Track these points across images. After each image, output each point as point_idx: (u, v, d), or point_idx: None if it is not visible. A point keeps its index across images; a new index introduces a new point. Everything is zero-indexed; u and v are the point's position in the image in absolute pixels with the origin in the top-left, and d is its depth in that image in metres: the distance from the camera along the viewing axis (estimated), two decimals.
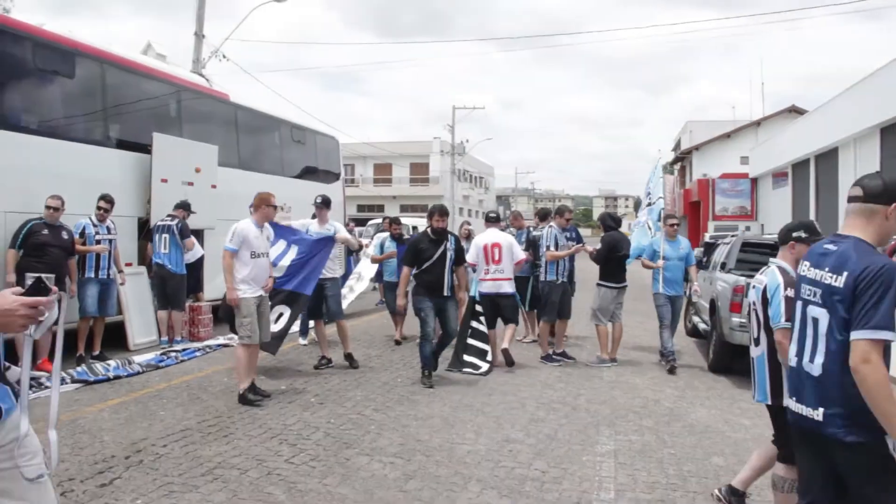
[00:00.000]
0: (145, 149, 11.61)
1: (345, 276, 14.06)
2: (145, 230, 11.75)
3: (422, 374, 8.79)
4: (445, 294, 8.87)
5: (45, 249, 8.95)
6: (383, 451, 6.13)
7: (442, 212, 9.01)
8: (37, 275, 2.52)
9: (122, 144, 11.52)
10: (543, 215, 12.17)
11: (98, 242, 9.87)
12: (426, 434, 6.66)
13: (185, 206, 11.49)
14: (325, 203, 9.81)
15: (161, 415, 7.23)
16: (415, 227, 21.90)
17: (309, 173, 17.47)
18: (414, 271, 8.97)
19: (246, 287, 7.79)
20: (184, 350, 10.63)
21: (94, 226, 9.91)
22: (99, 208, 9.98)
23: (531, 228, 12.52)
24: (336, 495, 5.11)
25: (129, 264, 11.29)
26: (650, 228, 11.22)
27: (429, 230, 9.09)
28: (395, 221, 13.22)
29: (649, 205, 11.61)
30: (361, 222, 29.74)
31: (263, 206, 8.07)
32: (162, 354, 10.23)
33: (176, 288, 11.29)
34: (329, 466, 5.71)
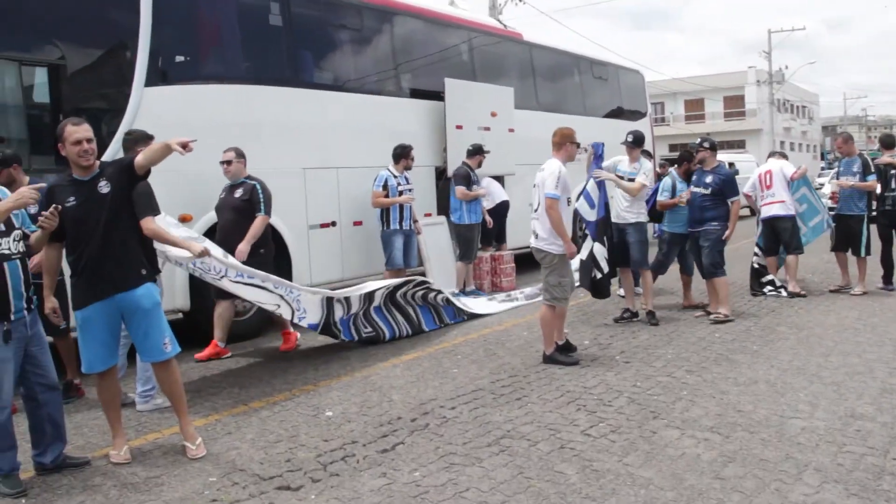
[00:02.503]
0: (439, 96, 11.33)
1: None
2: (443, 179, 11.53)
3: None
4: None
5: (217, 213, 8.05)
6: (696, 423, 5.16)
7: None
8: None
9: (415, 93, 11.33)
10: (889, 143, 10.28)
11: (400, 193, 9.77)
12: (749, 404, 5.56)
13: (477, 151, 11.01)
14: (636, 141, 8.73)
15: (453, 372, 6.80)
16: (731, 164, 19.98)
17: (613, 112, 16.45)
18: None
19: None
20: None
21: (395, 177, 9.80)
22: (400, 157, 9.89)
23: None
24: (638, 479, 4.26)
25: (427, 214, 11.14)
26: None
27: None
28: (687, 156, 9.61)
29: None
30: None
31: (567, 143, 7.21)
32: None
33: (460, 238, 10.93)
34: (631, 441, 4.88)
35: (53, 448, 4.79)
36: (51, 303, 4.94)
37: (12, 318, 4.45)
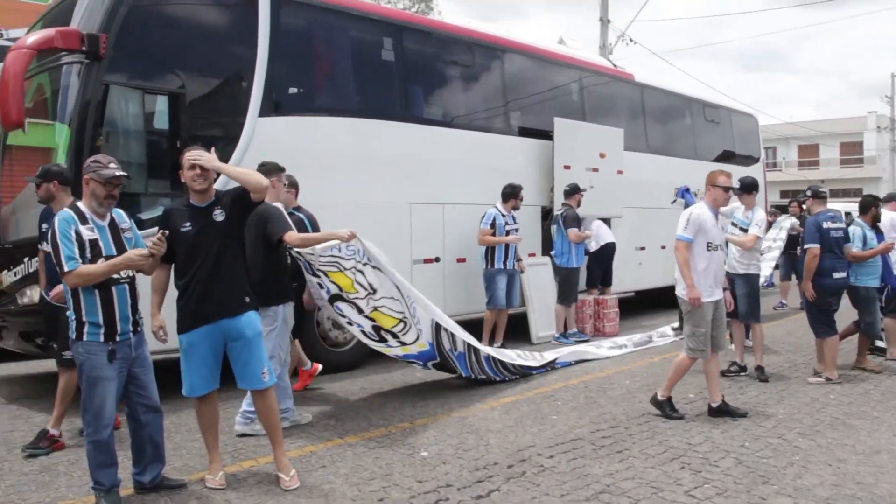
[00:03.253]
0: (547, 135, 11.23)
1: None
2: (549, 219, 11.40)
3: None
4: None
5: None
6: (811, 493, 4.82)
7: None
8: None
9: (524, 132, 11.27)
10: None
11: (507, 233, 9.72)
12: (870, 476, 5.17)
13: (574, 190, 10.85)
14: (744, 187, 8.27)
15: (553, 419, 6.61)
16: (847, 213, 19.14)
17: (725, 156, 16.02)
18: None
19: (701, 287, 6.58)
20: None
21: (503, 216, 9.75)
22: (509, 197, 9.84)
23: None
24: None
25: (532, 254, 11.03)
26: None
27: None
28: (871, 202, 9.28)
29: None
30: (784, 209, 27.19)
31: (710, 187, 6.81)
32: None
33: (564, 281, 10.75)
34: None
35: (152, 468, 4.87)
36: (157, 321, 5.01)
37: (117, 339, 4.54)
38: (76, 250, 4.43)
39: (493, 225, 9.65)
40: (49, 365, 8.92)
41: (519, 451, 5.67)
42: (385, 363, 8.87)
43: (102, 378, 4.52)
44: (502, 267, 9.75)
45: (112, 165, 4.61)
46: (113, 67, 6.93)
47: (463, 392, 7.58)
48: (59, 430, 5.90)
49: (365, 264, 6.58)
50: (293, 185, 7.22)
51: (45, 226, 5.78)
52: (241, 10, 7.99)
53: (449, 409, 6.96)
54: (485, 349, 8.03)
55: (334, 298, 6.55)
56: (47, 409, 6.98)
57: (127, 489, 4.82)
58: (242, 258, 5.11)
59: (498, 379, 8.02)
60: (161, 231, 4.64)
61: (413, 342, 7.13)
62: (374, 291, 6.68)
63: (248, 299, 5.04)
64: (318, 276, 6.40)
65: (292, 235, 5.81)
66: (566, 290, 10.68)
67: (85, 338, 4.51)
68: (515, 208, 9.92)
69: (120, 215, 4.77)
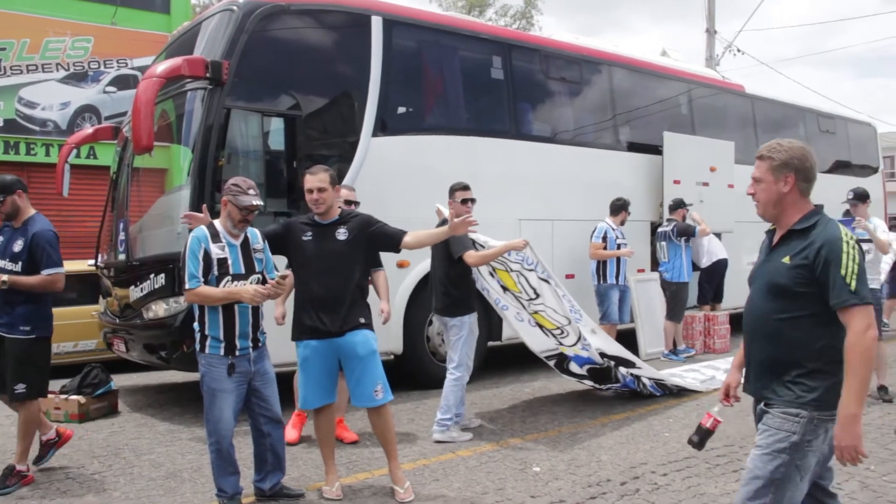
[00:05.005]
0: (656, 150, 11.13)
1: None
2: (656, 234, 11.27)
3: None
4: None
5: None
6: None
7: None
8: None
9: (632, 146, 11.17)
10: None
11: (619, 247, 9.68)
12: None
13: (678, 205, 10.69)
14: (858, 197, 8.16)
15: (665, 436, 6.53)
16: None
17: (841, 166, 15.49)
18: None
19: None
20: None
21: (614, 230, 9.72)
22: (619, 210, 9.85)
23: None
24: None
25: (640, 270, 10.91)
26: None
27: None
28: None
29: None
30: None
31: None
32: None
33: (672, 296, 10.60)
34: None
35: (272, 476, 5.05)
36: (280, 310, 5.19)
37: (237, 353, 4.75)
38: (200, 269, 4.67)
39: (604, 239, 9.62)
40: (170, 376, 9.39)
41: (632, 468, 5.62)
42: (494, 378, 8.95)
43: (221, 391, 4.74)
44: (615, 282, 9.69)
45: (251, 192, 4.80)
46: (234, 92, 7.24)
47: (572, 408, 7.57)
48: (26, 465, 5.52)
49: (531, 270, 6.83)
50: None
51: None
52: (354, 32, 8.24)
53: (559, 425, 6.96)
54: (648, 373, 8.08)
55: (503, 290, 7.04)
56: (170, 419, 7.38)
57: (249, 497, 5.02)
58: (362, 280, 5.21)
59: (658, 394, 8.06)
60: (280, 275, 4.82)
61: (572, 345, 7.18)
62: (537, 297, 6.90)
63: (363, 319, 5.11)
64: (486, 280, 7.02)
65: (471, 255, 6.36)
66: (675, 305, 10.52)
67: (207, 350, 4.75)
68: (623, 222, 9.85)
69: (255, 236, 4.97)
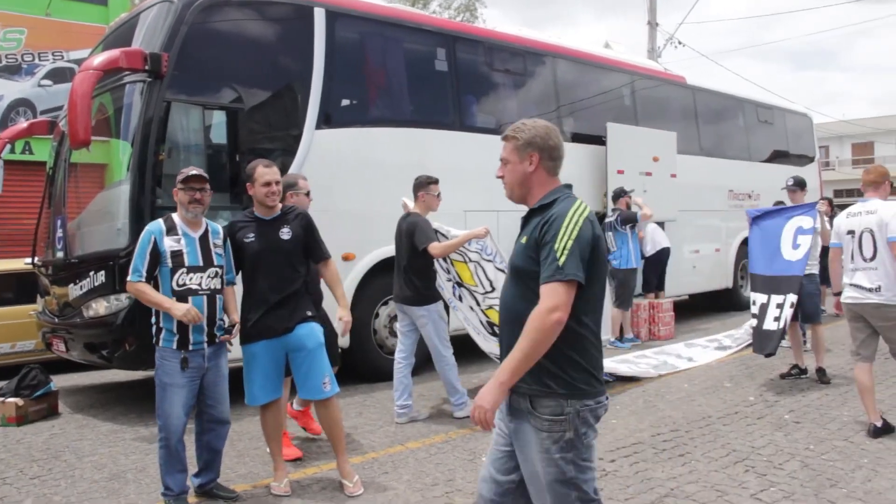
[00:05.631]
0: (600, 140, 11.22)
1: None
2: (602, 223, 11.40)
3: None
4: None
5: None
6: (883, 497, 4.74)
7: None
8: None
9: (576, 137, 11.24)
10: None
11: None
12: None
13: (620, 194, 10.83)
14: (798, 184, 8.41)
15: (612, 423, 6.60)
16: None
17: (778, 156, 15.82)
18: None
19: None
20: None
21: None
22: None
23: None
24: None
25: None
26: None
27: None
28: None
29: None
30: (839, 207, 26.59)
31: (886, 182, 6.45)
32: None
33: (620, 283, 10.74)
34: None
35: (205, 474, 5.02)
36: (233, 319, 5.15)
37: (190, 348, 4.68)
38: (145, 264, 4.65)
39: None
40: (112, 375, 9.21)
41: None
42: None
43: (172, 385, 4.67)
44: None
45: (192, 169, 4.82)
46: (174, 85, 7.10)
47: None
48: None
49: (489, 261, 6.88)
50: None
51: None
52: (297, 24, 8.15)
53: None
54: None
55: (457, 286, 7.14)
56: (113, 419, 7.25)
57: (194, 497, 4.96)
58: (306, 274, 5.21)
59: (610, 381, 8.11)
60: (234, 325, 4.93)
61: None
62: (493, 290, 6.96)
63: (309, 313, 5.12)
64: (448, 272, 7.16)
65: (435, 247, 6.57)
66: (624, 292, 10.64)
67: (161, 343, 4.70)
68: None
69: (216, 230, 4.93)
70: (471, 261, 6.92)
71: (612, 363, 8.40)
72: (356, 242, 8.24)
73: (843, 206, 9.78)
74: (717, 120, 14.50)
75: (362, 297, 8.26)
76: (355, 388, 8.13)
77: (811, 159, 16.95)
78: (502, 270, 6.90)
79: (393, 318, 8.51)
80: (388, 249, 8.35)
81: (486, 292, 6.99)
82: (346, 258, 8.07)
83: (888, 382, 7.78)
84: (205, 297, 4.74)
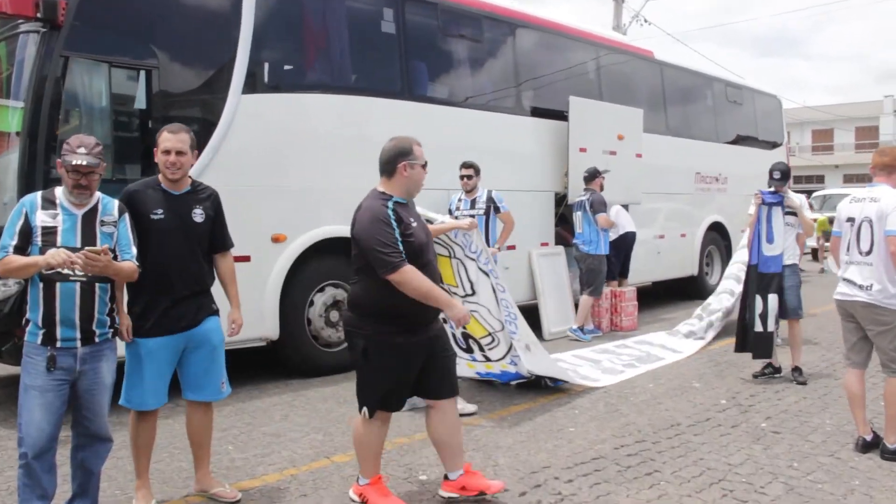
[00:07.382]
0: (561, 115, 10.40)
1: None
2: (562, 206, 10.61)
3: None
4: None
5: None
6: None
7: None
8: None
9: (536, 112, 10.38)
10: None
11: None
12: None
13: (594, 175, 10.02)
14: (785, 176, 7.38)
15: (570, 432, 5.83)
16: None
17: (746, 139, 15.17)
18: None
19: None
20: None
21: (460, 199, 8.87)
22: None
23: None
24: None
25: (545, 244, 10.25)
26: None
27: None
28: None
29: None
30: (808, 194, 26.25)
31: None
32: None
33: (590, 270, 9.96)
34: None
35: (79, 501, 4.09)
36: (126, 321, 4.25)
37: (58, 345, 3.79)
38: (14, 240, 3.79)
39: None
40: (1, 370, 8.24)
41: (532, 474, 4.89)
42: None
43: (33, 387, 3.79)
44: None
45: (81, 150, 3.83)
46: (74, 37, 6.13)
47: (468, 398, 6.70)
48: None
49: (472, 259, 6.16)
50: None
51: None
52: None
53: None
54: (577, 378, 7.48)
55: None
56: None
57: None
58: (209, 262, 4.53)
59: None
60: (93, 249, 3.72)
61: (499, 359, 6.61)
62: (473, 293, 6.23)
63: (214, 306, 4.50)
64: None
65: None
66: (595, 279, 9.88)
67: (26, 337, 3.84)
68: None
69: (108, 206, 4.03)
70: (455, 256, 6.14)
71: (590, 379, 7.53)
72: (288, 223, 7.35)
73: (803, 193, 9.02)
74: (686, 97, 13.77)
75: (293, 282, 7.37)
76: (285, 384, 7.30)
77: (779, 144, 16.36)
78: (485, 272, 6.21)
79: (329, 307, 7.67)
80: (326, 230, 7.56)
81: (466, 295, 6.20)
82: (276, 240, 7.19)
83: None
84: (77, 286, 3.82)
